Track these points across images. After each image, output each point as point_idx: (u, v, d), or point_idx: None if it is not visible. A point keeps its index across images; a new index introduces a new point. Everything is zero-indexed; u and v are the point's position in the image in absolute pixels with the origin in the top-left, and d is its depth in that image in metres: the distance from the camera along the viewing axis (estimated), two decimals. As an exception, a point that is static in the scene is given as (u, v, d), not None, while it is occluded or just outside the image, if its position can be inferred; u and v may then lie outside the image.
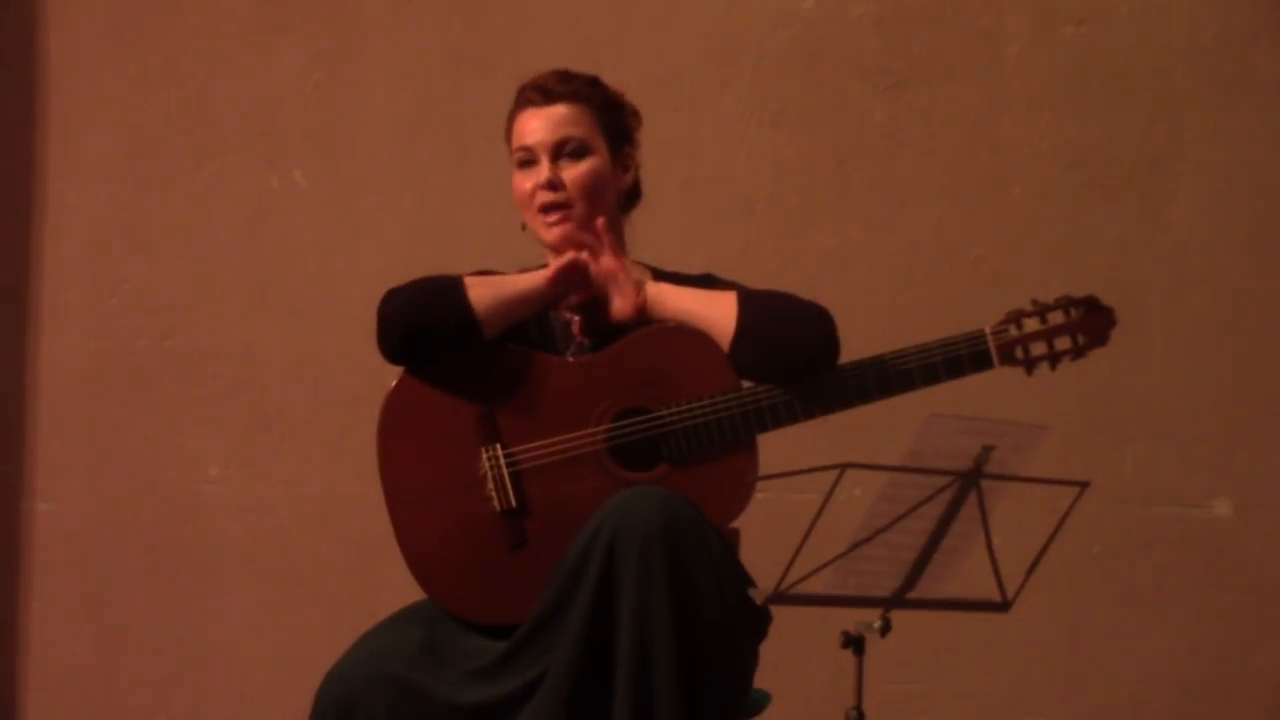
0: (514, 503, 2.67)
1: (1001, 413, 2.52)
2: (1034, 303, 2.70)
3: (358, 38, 4.25)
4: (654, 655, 2.42)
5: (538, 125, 2.79)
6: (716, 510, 2.60)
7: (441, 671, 2.54)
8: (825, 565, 2.37)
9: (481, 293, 2.71)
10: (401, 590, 2.74)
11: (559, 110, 2.79)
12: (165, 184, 4.31)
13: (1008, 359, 2.69)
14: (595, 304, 2.78)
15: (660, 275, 2.83)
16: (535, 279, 2.76)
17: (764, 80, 4.09)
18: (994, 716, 4.01)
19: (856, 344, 2.71)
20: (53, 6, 4.34)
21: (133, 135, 4.33)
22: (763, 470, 2.67)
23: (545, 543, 2.64)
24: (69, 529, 4.34)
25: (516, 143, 2.82)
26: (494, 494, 2.67)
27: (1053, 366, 2.71)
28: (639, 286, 2.74)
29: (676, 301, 2.73)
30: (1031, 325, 2.69)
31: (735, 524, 2.70)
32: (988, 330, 2.68)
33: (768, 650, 2.70)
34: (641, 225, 2.92)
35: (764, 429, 2.66)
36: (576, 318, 2.83)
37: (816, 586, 2.38)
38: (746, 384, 2.68)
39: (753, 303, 2.69)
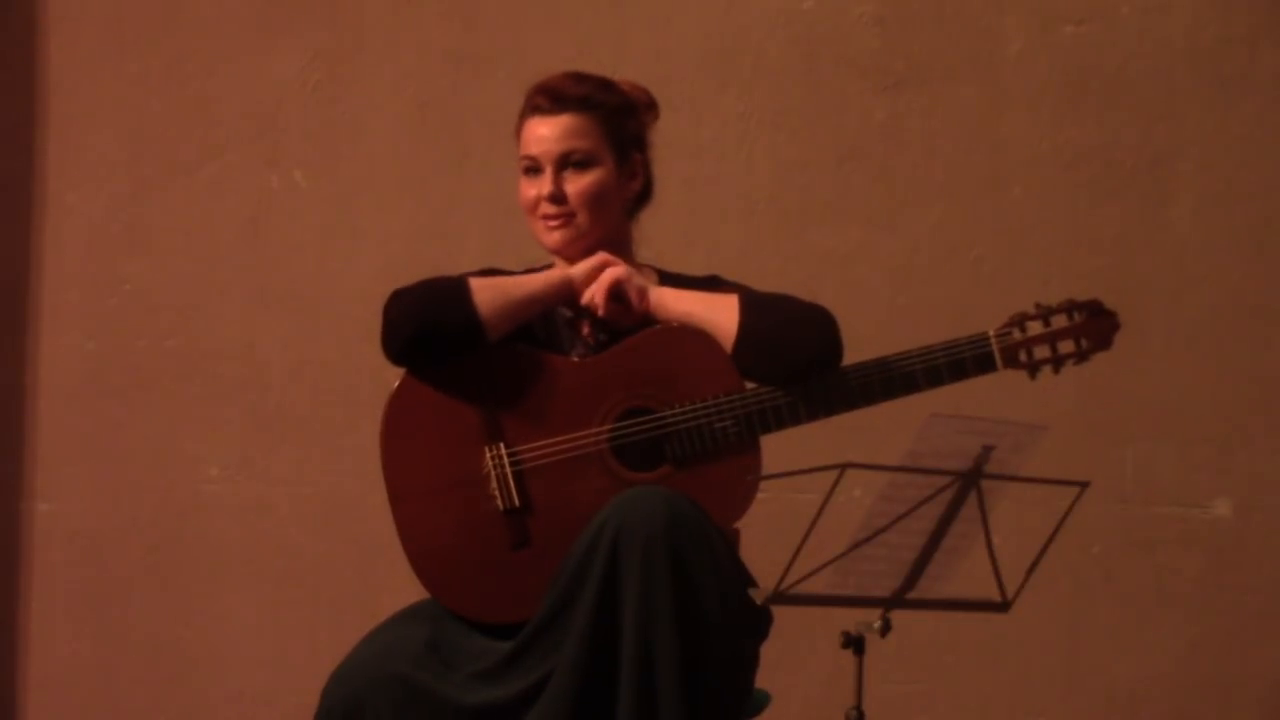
0: (517, 502, 2.67)
1: (1001, 412, 2.53)
2: (1038, 306, 2.70)
3: (358, 38, 4.24)
4: (657, 655, 2.42)
5: (544, 135, 2.78)
6: (719, 511, 2.60)
7: (448, 672, 2.54)
8: (825, 565, 2.37)
9: (487, 296, 2.71)
10: (402, 590, 2.75)
11: (565, 121, 2.78)
12: (165, 184, 4.31)
13: (1011, 362, 2.69)
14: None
15: (666, 277, 2.83)
16: (542, 280, 2.77)
17: (764, 80, 4.09)
18: (994, 716, 4.01)
19: (856, 344, 2.71)
20: (53, 6, 4.33)
21: (133, 135, 4.32)
22: (763, 470, 2.67)
23: (548, 542, 2.64)
24: (69, 529, 4.34)
25: (523, 150, 2.81)
26: (497, 493, 2.68)
27: (1056, 370, 2.71)
28: (643, 290, 2.74)
29: (679, 305, 2.74)
30: (1035, 328, 2.69)
31: (736, 524, 2.70)
32: (992, 333, 2.69)
33: (768, 650, 2.70)
34: (642, 225, 2.92)
35: (767, 430, 2.66)
36: (584, 318, 2.82)
37: (816, 586, 2.38)
38: (750, 385, 2.69)
39: (755, 305, 2.69)
